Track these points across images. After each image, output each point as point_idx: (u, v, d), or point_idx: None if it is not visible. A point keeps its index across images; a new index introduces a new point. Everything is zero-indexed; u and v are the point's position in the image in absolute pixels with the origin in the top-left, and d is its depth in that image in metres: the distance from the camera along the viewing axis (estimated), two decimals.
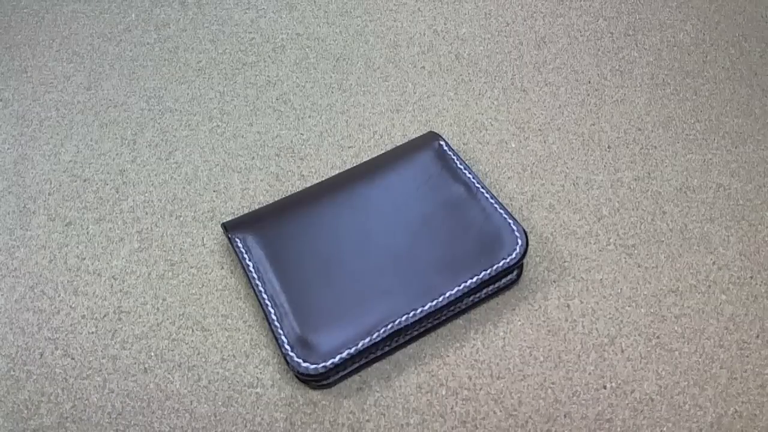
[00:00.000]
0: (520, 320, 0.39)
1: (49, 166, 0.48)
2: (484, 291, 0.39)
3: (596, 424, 0.35)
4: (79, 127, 0.51)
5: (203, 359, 0.38)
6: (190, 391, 0.37)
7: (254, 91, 0.53)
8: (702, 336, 0.38)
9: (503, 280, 0.39)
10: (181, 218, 0.45)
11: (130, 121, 0.51)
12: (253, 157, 0.48)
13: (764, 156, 0.47)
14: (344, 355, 0.34)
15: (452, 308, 0.38)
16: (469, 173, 0.42)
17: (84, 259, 0.43)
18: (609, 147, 0.48)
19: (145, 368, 0.38)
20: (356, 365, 0.37)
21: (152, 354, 0.38)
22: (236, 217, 0.43)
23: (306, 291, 0.37)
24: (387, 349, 0.37)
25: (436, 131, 0.48)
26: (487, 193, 0.41)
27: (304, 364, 0.34)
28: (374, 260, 0.38)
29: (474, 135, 0.49)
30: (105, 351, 0.39)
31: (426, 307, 0.36)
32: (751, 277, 0.41)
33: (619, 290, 0.40)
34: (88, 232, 0.44)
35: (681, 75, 0.52)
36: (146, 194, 0.46)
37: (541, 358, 0.37)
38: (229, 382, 0.37)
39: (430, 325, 0.38)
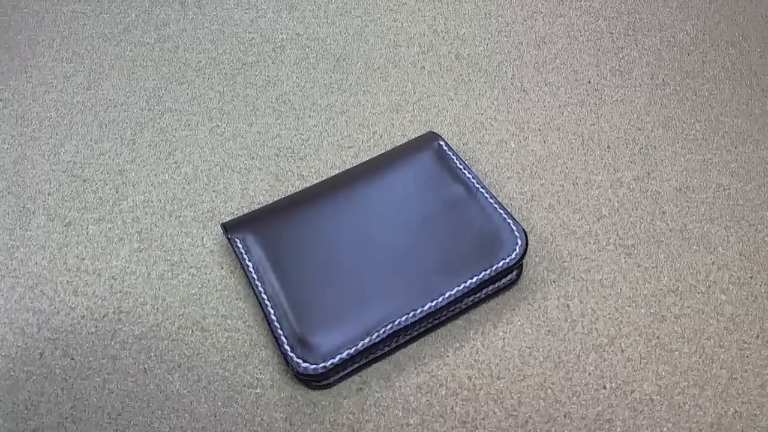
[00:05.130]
0: (519, 320, 0.39)
1: (49, 166, 0.48)
2: (484, 291, 0.39)
3: (596, 424, 0.35)
4: (78, 127, 0.51)
5: (203, 360, 0.38)
6: (190, 392, 0.37)
7: (254, 91, 0.53)
8: (702, 336, 0.38)
9: (503, 280, 0.39)
10: (181, 218, 0.45)
11: (130, 121, 0.51)
12: (253, 157, 0.48)
13: (764, 156, 0.47)
14: (344, 355, 0.34)
15: (452, 308, 0.38)
16: (469, 173, 0.42)
17: (84, 259, 0.43)
18: (609, 147, 0.48)
19: (144, 369, 0.38)
20: (356, 365, 0.37)
21: (152, 354, 0.38)
22: (236, 217, 0.43)
23: (306, 291, 0.37)
24: (387, 349, 0.37)
25: (436, 131, 0.48)
26: (486, 193, 0.41)
27: (304, 364, 0.34)
28: (374, 260, 0.38)
29: (474, 135, 0.49)
30: (105, 351, 0.39)
31: (426, 308, 0.36)
32: (751, 277, 0.41)
33: (619, 290, 0.40)
34: (87, 232, 0.44)
35: (681, 75, 0.52)
36: (146, 194, 0.46)
37: (541, 359, 0.37)
38: (229, 382, 0.37)
39: (430, 325, 0.38)
